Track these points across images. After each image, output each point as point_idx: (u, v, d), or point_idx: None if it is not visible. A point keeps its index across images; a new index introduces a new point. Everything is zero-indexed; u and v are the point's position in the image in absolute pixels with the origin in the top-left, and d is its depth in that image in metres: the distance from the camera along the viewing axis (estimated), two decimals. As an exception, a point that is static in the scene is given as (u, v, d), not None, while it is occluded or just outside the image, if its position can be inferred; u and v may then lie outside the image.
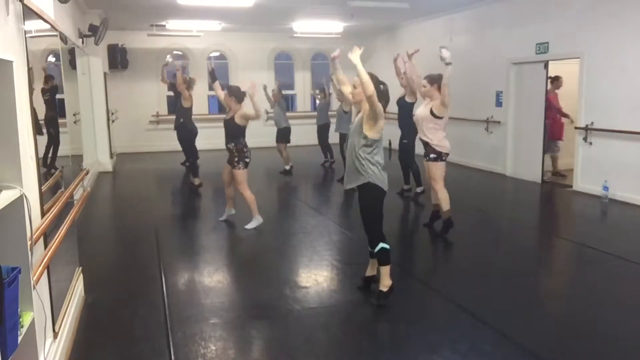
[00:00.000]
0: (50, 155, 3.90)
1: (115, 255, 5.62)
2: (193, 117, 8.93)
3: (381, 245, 4.01)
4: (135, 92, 13.34)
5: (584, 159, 7.99)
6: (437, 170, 5.62)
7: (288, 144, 10.29)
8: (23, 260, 2.37)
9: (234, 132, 6.15)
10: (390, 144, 11.12)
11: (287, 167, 10.16)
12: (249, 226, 6.26)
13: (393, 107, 8.44)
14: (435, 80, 5.55)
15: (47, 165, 3.76)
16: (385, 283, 4.04)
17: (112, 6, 9.54)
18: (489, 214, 7.19)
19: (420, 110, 5.66)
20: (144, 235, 6.14)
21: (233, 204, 6.67)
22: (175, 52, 14.14)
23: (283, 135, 10.23)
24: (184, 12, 9.91)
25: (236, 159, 6.15)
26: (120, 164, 11.48)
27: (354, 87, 3.94)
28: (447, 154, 5.63)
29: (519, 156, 9.40)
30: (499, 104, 9.71)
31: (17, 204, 2.35)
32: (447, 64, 5.40)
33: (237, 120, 6.10)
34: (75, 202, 3.99)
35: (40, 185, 2.91)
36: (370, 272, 4.31)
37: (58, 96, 4.48)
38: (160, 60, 13.67)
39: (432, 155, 5.58)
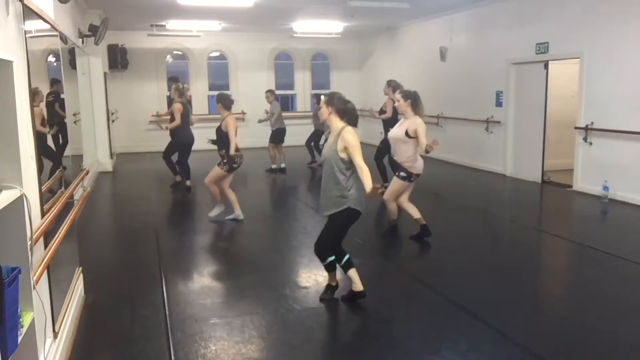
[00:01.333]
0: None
1: (115, 255, 5.62)
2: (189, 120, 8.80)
3: (330, 259, 3.96)
4: (135, 92, 13.34)
5: (584, 159, 7.99)
6: (398, 187, 5.58)
7: (282, 144, 10.47)
8: (23, 260, 2.37)
9: (224, 140, 6.34)
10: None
11: (273, 167, 10.38)
12: (212, 214, 6.63)
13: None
14: (409, 97, 5.49)
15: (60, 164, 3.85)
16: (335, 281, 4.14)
17: (112, 6, 9.55)
18: (489, 214, 7.19)
19: (395, 131, 5.63)
20: (144, 235, 6.14)
21: (237, 206, 6.67)
22: (175, 52, 14.17)
23: (273, 135, 10.44)
24: (184, 12, 9.91)
25: (224, 161, 6.38)
26: (120, 164, 11.49)
27: (320, 105, 3.96)
28: (418, 176, 5.58)
29: (519, 156, 9.40)
30: (499, 104, 9.71)
31: (17, 204, 2.35)
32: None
33: (223, 129, 6.35)
34: (75, 202, 3.99)
35: (40, 185, 2.91)
36: (357, 288, 4.06)
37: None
38: (160, 60, 13.73)
39: (402, 174, 5.53)
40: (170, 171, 8.93)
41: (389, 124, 7.70)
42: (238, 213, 6.63)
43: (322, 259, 3.99)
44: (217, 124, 6.59)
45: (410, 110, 5.47)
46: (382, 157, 8.15)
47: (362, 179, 3.72)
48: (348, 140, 3.74)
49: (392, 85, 7.87)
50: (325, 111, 3.88)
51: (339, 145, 3.77)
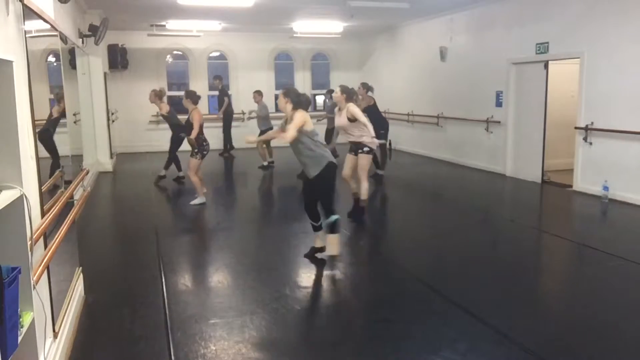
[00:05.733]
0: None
1: (116, 255, 5.62)
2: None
3: (336, 216, 4.85)
4: (135, 92, 13.32)
5: (584, 159, 7.99)
6: (368, 163, 6.54)
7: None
8: (23, 260, 2.37)
9: (190, 129, 7.30)
10: (390, 144, 11.14)
11: (264, 164, 10.71)
12: (193, 202, 7.34)
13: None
14: (345, 92, 6.48)
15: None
16: (337, 249, 4.95)
17: (112, 6, 9.54)
18: (489, 214, 7.19)
19: (340, 121, 6.56)
20: (144, 235, 6.13)
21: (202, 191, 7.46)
22: (175, 52, 14.17)
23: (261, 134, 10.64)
24: (184, 12, 9.90)
25: (195, 150, 7.26)
26: (120, 164, 11.49)
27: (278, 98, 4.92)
28: (375, 147, 6.73)
29: (519, 156, 9.40)
30: (499, 104, 9.71)
31: (17, 204, 2.35)
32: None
33: (191, 120, 7.28)
34: (75, 202, 3.99)
35: (40, 185, 2.91)
36: (319, 244, 5.01)
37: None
38: (160, 60, 13.73)
39: (365, 149, 6.47)
40: (176, 168, 9.47)
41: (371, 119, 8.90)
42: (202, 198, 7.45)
43: (328, 215, 4.83)
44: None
45: (343, 103, 6.46)
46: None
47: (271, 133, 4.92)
48: (293, 118, 4.72)
49: (367, 87, 9.13)
50: (282, 101, 4.84)
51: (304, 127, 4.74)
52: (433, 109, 11.59)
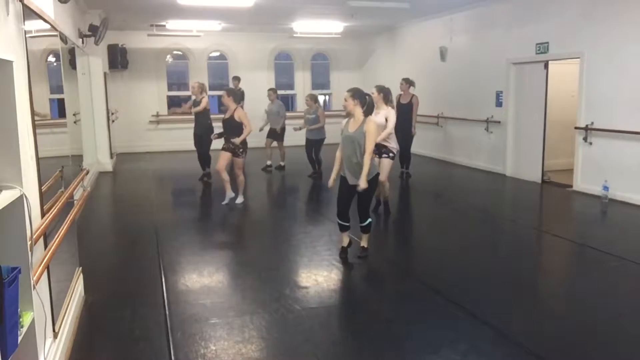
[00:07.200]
0: None
1: (115, 255, 5.61)
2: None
3: (370, 219, 5.09)
4: (135, 92, 13.33)
5: (584, 159, 7.99)
6: (390, 166, 6.67)
7: (283, 142, 10.64)
8: (23, 260, 2.37)
9: (235, 129, 7.04)
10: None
11: (268, 163, 10.57)
12: (238, 201, 7.28)
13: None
14: (381, 91, 6.45)
15: None
16: (366, 244, 5.19)
17: (112, 6, 9.54)
18: (489, 214, 7.19)
19: (376, 119, 6.42)
20: (144, 235, 6.14)
21: (230, 187, 7.30)
22: (175, 52, 14.17)
23: (271, 133, 10.61)
24: (184, 12, 9.91)
25: (241, 150, 7.10)
26: (120, 164, 11.48)
27: (345, 99, 4.84)
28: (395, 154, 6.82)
29: (519, 156, 9.40)
30: (499, 104, 9.71)
31: (17, 204, 2.35)
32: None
33: (237, 118, 7.01)
34: (75, 202, 3.99)
35: (40, 185, 2.91)
36: (347, 242, 5.14)
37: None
38: (160, 60, 13.74)
39: (391, 155, 6.58)
40: (200, 166, 9.34)
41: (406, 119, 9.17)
42: (231, 193, 7.32)
43: (365, 220, 5.03)
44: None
45: (382, 103, 6.42)
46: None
47: (365, 159, 4.71)
48: (368, 127, 4.73)
49: (409, 83, 9.49)
50: (351, 102, 4.77)
51: (364, 129, 4.74)
52: (433, 108, 11.59)
